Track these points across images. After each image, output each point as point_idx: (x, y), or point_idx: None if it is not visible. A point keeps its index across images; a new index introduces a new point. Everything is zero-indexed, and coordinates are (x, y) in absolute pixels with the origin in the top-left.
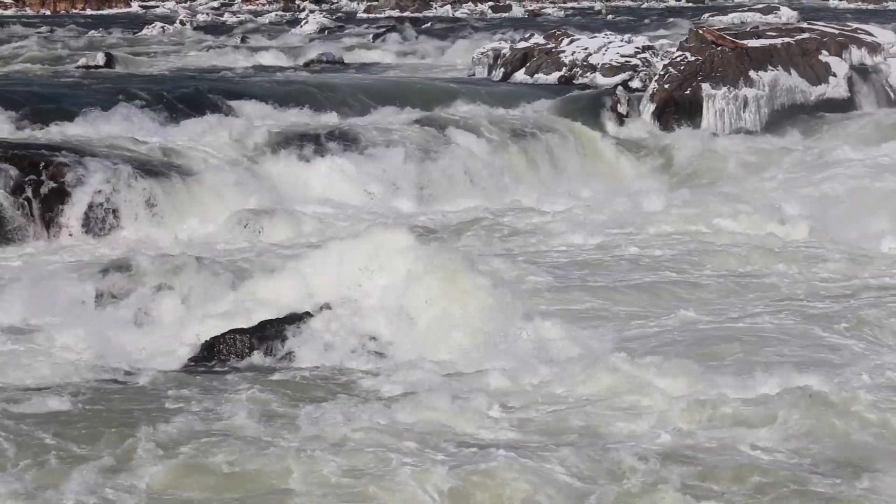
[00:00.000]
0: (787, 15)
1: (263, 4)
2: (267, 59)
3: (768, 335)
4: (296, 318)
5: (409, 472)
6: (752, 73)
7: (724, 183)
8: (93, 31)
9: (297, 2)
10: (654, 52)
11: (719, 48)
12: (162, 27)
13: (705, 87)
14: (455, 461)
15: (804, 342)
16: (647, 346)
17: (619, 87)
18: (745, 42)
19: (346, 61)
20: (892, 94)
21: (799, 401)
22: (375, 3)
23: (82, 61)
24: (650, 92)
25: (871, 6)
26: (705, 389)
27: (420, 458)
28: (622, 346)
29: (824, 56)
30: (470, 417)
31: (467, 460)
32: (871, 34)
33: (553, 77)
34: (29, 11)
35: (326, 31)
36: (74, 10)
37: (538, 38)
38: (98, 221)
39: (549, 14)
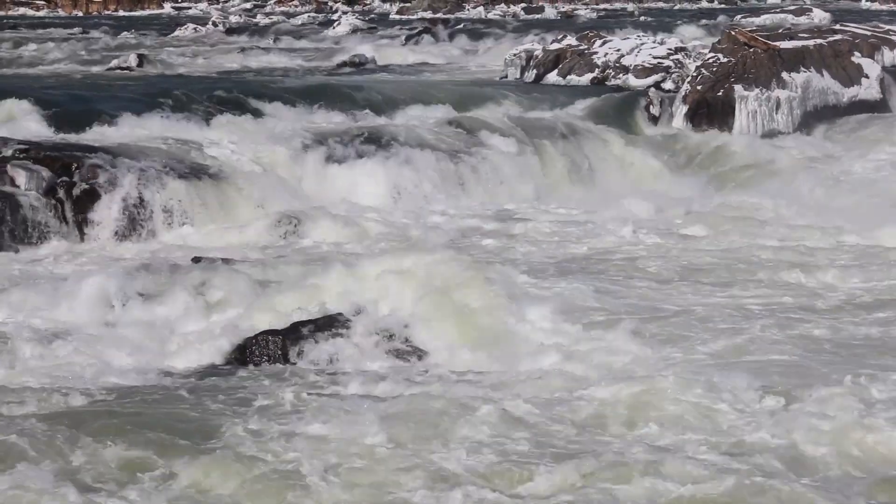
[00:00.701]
0: (819, 16)
1: (296, 6)
2: (299, 60)
3: None
4: (328, 321)
5: (450, 475)
6: (784, 75)
7: (767, 183)
8: (125, 33)
9: (329, 3)
10: (686, 54)
11: (752, 50)
12: (194, 28)
13: (738, 88)
14: (489, 470)
15: None
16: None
17: (652, 89)
18: (777, 43)
19: (378, 63)
20: None
21: None
22: (408, 4)
23: (114, 63)
24: (683, 93)
25: None
26: None
27: (453, 461)
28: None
29: (857, 57)
30: (496, 423)
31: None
32: None
33: (585, 78)
34: (61, 13)
35: (359, 33)
36: (107, 12)
37: (571, 40)
38: (130, 223)
39: (581, 15)
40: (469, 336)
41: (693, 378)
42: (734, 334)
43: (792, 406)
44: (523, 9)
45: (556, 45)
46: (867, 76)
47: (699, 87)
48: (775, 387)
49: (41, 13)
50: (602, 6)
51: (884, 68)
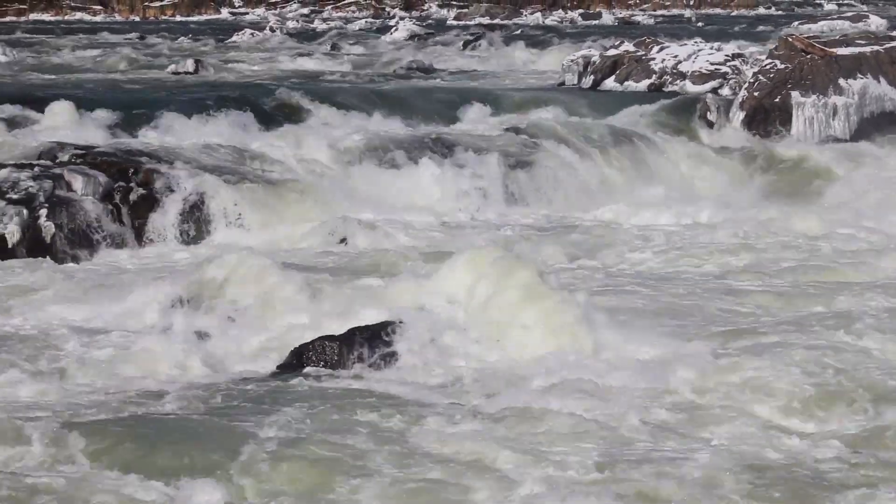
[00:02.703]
0: (876, 23)
1: (354, 11)
2: (357, 65)
3: None
4: (386, 327)
5: (507, 485)
6: (841, 81)
7: (826, 190)
8: (182, 38)
9: (387, 9)
10: (743, 60)
11: (808, 56)
12: (252, 33)
13: (795, 94)
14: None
15: None
16: None
17: (709, 95)
18: (834, 50)
19: (436, 68)
20: None
21: None
22: (465, 10)
23: (172, 67)
24: (740, 99)
25: None
26: None
27: (519, 471)
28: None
29: None
30: (557, 432)
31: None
32: None
33: (643, 84)
34: (118, 18)
35: (416, 38)
36: (164, 17)
37: (628, 46)
38: (187, 227)
39: (638, 21)
40: (530, 343)
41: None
42: None
43: None
44: (581, 14)
45: (613, 51)
46: None
47: (756, 94)
48: None
49: (97, 18)
50: (659, 12)
51: None
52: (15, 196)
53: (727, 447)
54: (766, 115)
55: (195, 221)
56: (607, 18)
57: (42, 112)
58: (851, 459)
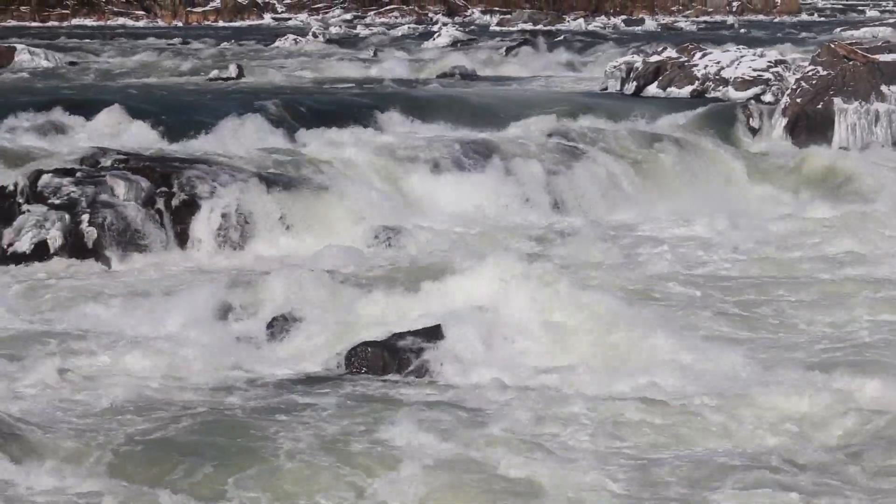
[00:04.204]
0: None
1: (396, 17)
2: (400, 71)
3: None
4: (428, 332)
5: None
6: (883, 88)
7: (868, 196)
8: (225, 43)
9: (430, 15)
10: (786, 66)
11: (851, 62)
12: (294, 39)
13: (837, 101)
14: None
15: None
16: None
17: (752, 101)
18: (876, 56)
19: (479, 74)
20: None
21: None
22: (508, 16)
23: (215, 73)
24: (782, 106)
25: None
26: None
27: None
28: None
29: None
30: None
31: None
32: None
33: (685, 91)
34: (160, 23)
35: (459, 44)
36: (206, 22)
37: (671, 52)
38: (230, 233)
39: (681, 27)
40: (575, 350)
41: None
42: None
43: None
44: (623, 21)
45: (656, 58)
46: None
47: (798, 100)
48: None
49: (140, 23)
50: (702, 18)
51: None
52: (57, 201)
53: None
54: (809, 122)
55: (238, 227)
56: (650, 24)
57: (85, 117)
58: None
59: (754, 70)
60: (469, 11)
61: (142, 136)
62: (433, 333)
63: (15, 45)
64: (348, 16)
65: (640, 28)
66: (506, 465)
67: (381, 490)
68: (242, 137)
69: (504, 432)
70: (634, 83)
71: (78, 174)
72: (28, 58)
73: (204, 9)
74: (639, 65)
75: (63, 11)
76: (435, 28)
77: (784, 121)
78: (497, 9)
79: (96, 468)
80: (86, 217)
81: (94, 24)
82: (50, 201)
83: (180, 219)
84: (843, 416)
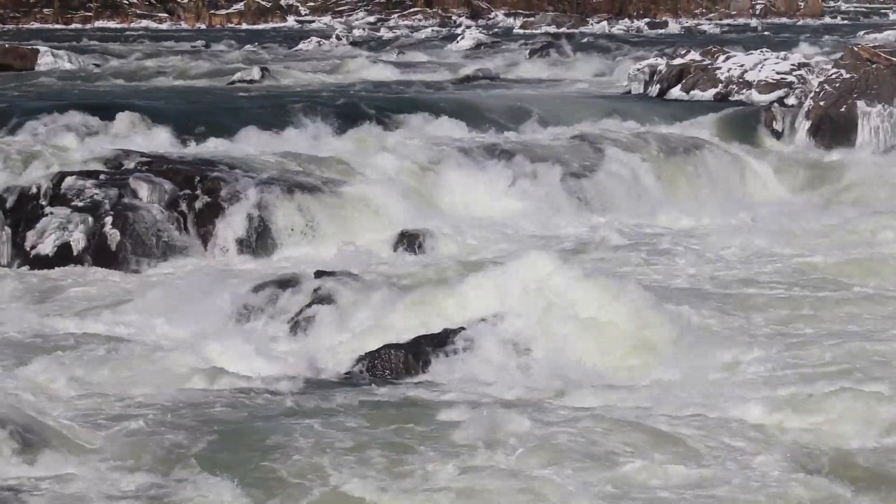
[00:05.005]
0: None
1: (420, 20)
2: (423, 74)
3: None
4: (451, 335)
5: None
6: None
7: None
8: (248, 46)
9: (453, 17)
10: (809, 69)
11: (874, 65)
12: (318, 42)
13: (860, 104)
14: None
15: None
16: None
17: (775, 104)
18: None
19: (502, 77)
20: None
21: None
22: (531, 19)
23: (238, 75)
24: (805, 109)
25: None
26: None
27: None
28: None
29: None
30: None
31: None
32: None
33: (709, 93)
34: (184, 25)
35: (482, 47)
36: (230, 25)
37: (694, 55)
38: (253, 236)
39: (704, 30)
40: (596, 351)
41: None
42: None
43: None
44: (647, 23)
45: (679, 60)
46: None
47: (822, 103)
48: None
49: (164, 26)
50: (725, 21)
51: None
52: (80, 204)
53: None
54: (832, 125)
55: (261, 230)
56: (673, 27)
57: (108, 119)
58: None
59: (777, 73)
60: (492, 14)
61: (164, 139)
62: (456, 336)
63: (38, 47)
64: (372, 18)
65: (663, 31)
66: (526, 468)
67: (402, 493)
68: (266, 140)
69: (523, 438)
70: (658, 86)
71: (101, 176)
72: (51, 60)
73: (227, 11)
74: (662, 68)
75: (86, 14)
76: (458, 31)
77: (807, 124)
78: (521, 12)
79: (122, 467)
80: (109, 219)
81: (118, 26)
82: (73, 203)
83: (203, 221)
84: None
